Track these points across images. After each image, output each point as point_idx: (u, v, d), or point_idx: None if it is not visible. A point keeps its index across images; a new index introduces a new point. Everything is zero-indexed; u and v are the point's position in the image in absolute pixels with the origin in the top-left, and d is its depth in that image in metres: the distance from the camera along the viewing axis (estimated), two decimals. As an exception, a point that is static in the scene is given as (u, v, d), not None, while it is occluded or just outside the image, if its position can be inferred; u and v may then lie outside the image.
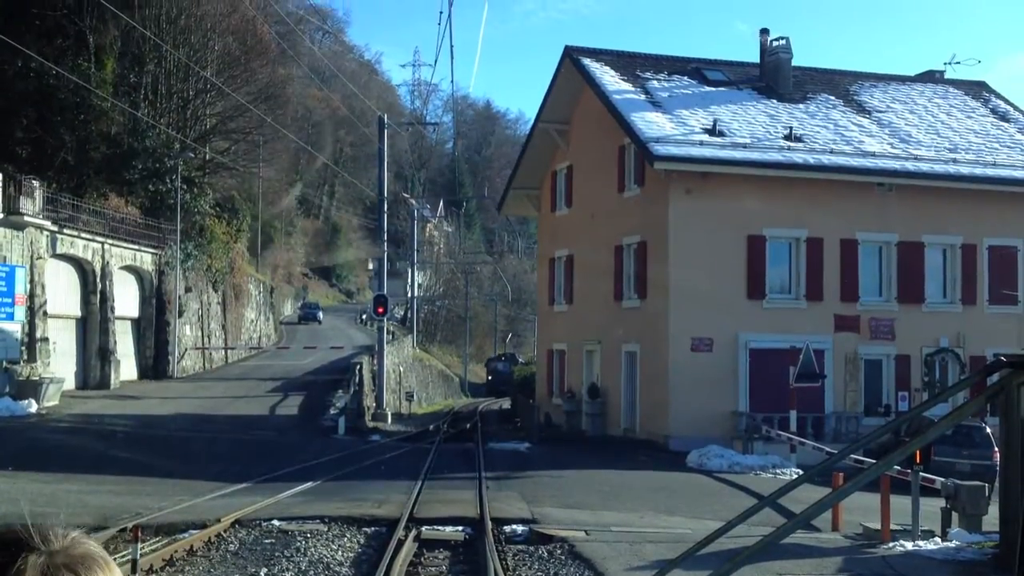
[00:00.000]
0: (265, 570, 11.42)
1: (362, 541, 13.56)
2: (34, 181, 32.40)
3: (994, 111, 36.22)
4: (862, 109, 34.10)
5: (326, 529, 13.98)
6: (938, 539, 14.50)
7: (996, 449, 18.33)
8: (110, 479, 18.71)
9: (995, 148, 32.76)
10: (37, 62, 34.48)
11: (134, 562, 8.41)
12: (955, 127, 34.07)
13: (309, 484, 18.39)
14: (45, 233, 32.63)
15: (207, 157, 49.67)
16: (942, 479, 15.90)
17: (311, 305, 78.97)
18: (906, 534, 14.46)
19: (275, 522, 14.21)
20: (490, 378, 77.20)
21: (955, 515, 15.12)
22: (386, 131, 38.97)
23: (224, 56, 49.54)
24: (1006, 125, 35.06)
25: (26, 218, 30.93)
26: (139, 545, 8.48)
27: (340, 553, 12.68)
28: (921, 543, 14.17)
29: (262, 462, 21.35)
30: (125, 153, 41.99)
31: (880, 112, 34.09)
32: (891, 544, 14.06)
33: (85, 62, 39.36)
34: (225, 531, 13.57)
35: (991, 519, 14.48)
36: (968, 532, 14.64)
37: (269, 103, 51.90)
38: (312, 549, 12.63)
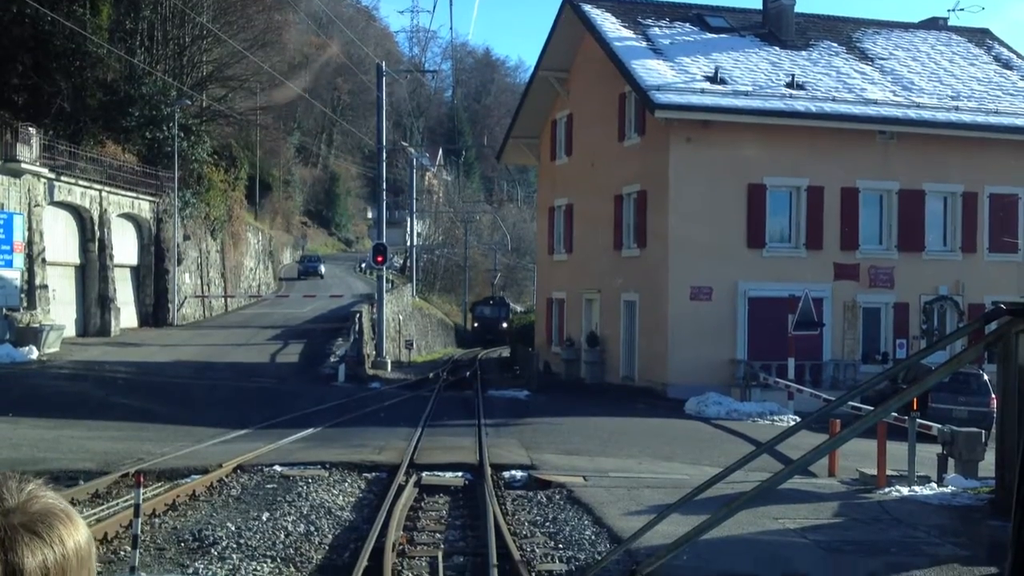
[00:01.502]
0: (267, 514, 11.53)
1: (363, 487, 13.68)
2: (31, 128, 32.21)
3: (997, 59, 35.89)
4: (864, 56, 33.80)
5: (327, 475, 14.10)
6: (934, 485, 14.64)
7: (993, 396, 18.43)
8: (111, 425, 18.83)
9: (998, 96, 32.52)
10: (32, 8, 34.10)
11: (137, 507, 8.48)
12: (958, 75, 33.79)
13: (310, 431, 18.52)
14: (42, 180, 32.50)
15: (204, 104, 49.33)
16: (939, 426, 16.02)
17: (311, 257, 73.73)
18: (902, 480, 14.59)
19: (276, 467, 14.33)
20: (476, 325, 68.66)
21: (951, 461, 15.25)
22: (384, 79, 38.64)
23: (220, 2, 49.00)
24: (1009, 73, 34.77)
25: (23, 165, 30.80)
26: (141, 490, 8.55)
27: (341, 498, 12.80)
28: (917, 488, 14.31)
29: (263, 409, 21.47)
30: (122, 100, 41.69)
31: (883, 59, 33.79)
32: (887, 489, 14.20)
33: (80, 7, 38.89)
34: (227, 476, 13.68)
35: (987, 465, 14.61)
36: (964, 478, 14.78)
37: (266, 50, 51.46)
38: (313, 494, 12.75)
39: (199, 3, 47.16)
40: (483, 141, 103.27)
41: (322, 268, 70.49)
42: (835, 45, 34.14)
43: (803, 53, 33.03)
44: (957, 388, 21.80)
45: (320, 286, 61.09)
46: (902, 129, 30.27)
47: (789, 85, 30.20)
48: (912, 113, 30.41)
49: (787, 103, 29.48)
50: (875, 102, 30.47)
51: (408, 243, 72.46)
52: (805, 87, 30.42)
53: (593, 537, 10.97)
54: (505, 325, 64.50)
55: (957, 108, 31.08)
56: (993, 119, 31.00)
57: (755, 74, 30.85)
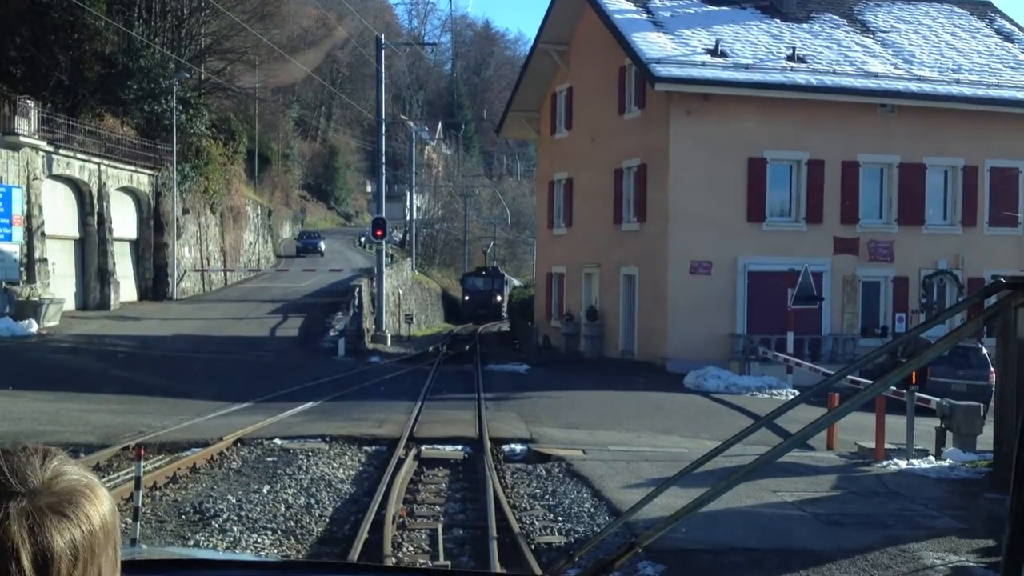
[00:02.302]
0: (268, 487, 11.58)
1: (363, 460, 13.73)
2: (29, 101, 32.06)
3: (999, 31, 35.70)
4: (866, 29, 33.61)
5: (327, 448, 14.15)
6: (932, 458, 14.69)
7: (992, 370, 18.47)
8: (112, 398, 18.87)
9: (999, 69, 32.37)
10: (28, -21, 33.87)
11: (137, 480, 8.52)
12: (959, 47, 33.61)
13: (310, 404, 18.57)
14: (41, 154, 32.40)
15: (202, 77, 49.09)
16: (937, 399, 16.05)
17: (311, 233, 70.61)
18: (900, 453, 14.63)
19: (277, 440, 14.37)
20: (467, 298, 62.63)
21: (949, 435, 15.30)
22: (384, 52, 38.42)
23: (218, -27, 48.61)
24: (1011, 46, 34.59)
25: (22, 138, 30.69)
26: (142, 463, 8.58)
27: (341, 471, 12.85)
28: (915, 462, 14.36)
29: (263, 382, 21.51)
30: (120, 73, 41.47)
31: (884, 32, 33.61)
32: (885, 463, 14.25)
33: (77, -21, 38.63)
34: (227, 449, 13.73)
35: (985, 439, 14.65)
36: (962, 451, 14.83)
37: (264, 22, 51.13)
38: (314, 467, 12.80)
39: (197, -25, 46.86)
40: (483, 115, 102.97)
41: (322, 245, 67.41)
42: (836, 18, 33.94)
43: (804, 26, 32.84)
44: (956, 362, 21.83)
45: (319, 260, 61.03)
46: (903, 102, 30.15)
47: (790, 58, 30.06)
48: (913, 86, 30.28)
49: (788, 76, 29.35)
50: (876, 75, 30.34)
51: (407, 217, 72.24)
52: (806, 60, 30.27)
53: (592, 510, 11.02)
54: (499, 299, 61.39)
55: (958, 81, 30.95)
56: (994, 92, 30.87)
57: (756, 47, 30.70)
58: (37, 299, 30.64)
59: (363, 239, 69.59)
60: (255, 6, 50.41)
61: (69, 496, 1.18)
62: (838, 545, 9.64)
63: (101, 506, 1.21)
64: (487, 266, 69.08)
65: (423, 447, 14.40)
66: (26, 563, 1.12)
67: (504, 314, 59.88)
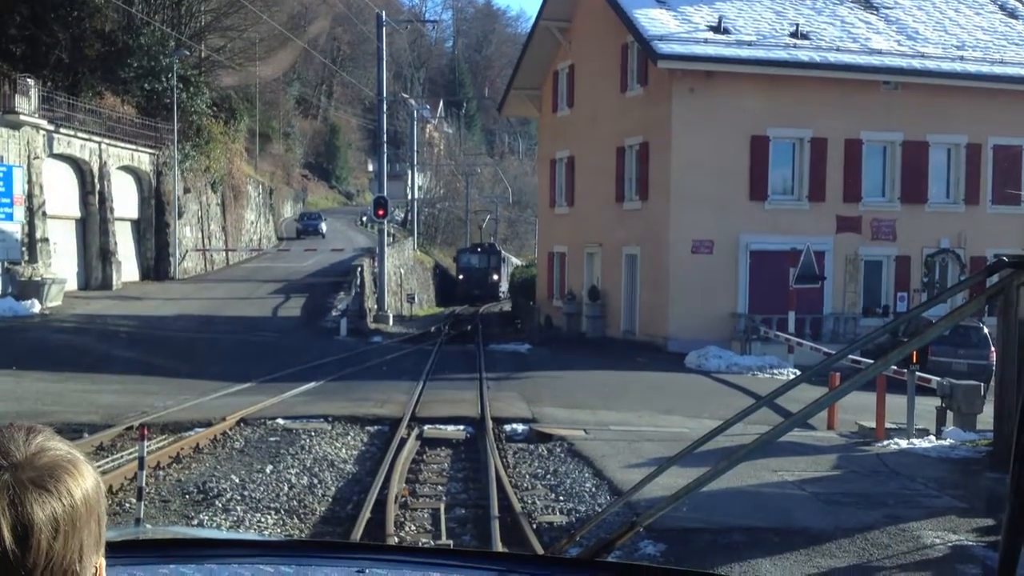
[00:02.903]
0: (271, 467, 11.62)
1: (365, 440, 13.78)
2: (29, 80, 31.97)
3: (1003, 7, 35.49)
4: (869, 5, 33.42)
5: (330, 428, 14.19)
6: (932, 437, 14.73)
7: (993, 349, 18.47)
8: (115, 378, 18.92)
9: (1003, 46, 32.20)
10: (27, -43, 33.70)
11: (141, 460, 8.55)
12: (963, 24, 33.43)
13: (312, 384, 18.62)
14: (41, 132, 32.34)
15: (203, 55, 48.92)
16: (938, 379, 16.07)
17: (311, 214, 67.52)
18: (901, 432, 14.67)
19: (279, 421, 14.42)
20: (460, 277, 58.17)
21: (950, 414, 15.33)
22: (384, 29, 38.25)
23: (218, -50, 48.41)
24: (1015, 22, 34.39)
25: (22, 117, 30.62)
26: (145, 443, 8.61)
27: (344, 451, 12.89)
28: (916, 441, 14.40)
29: (265, 362, 21.56)
30: (120, 51, 41.33)
31: (888, 8, 33.42)
32: (886, 442, 14.29)
33: (76, -43, 38.45)
34: (230, 429, 13.78)
35: (986, 418, 14.68)
36: (963, 430, 14.86)
37: (265, -1, 50.90)
38: (316, 447, 12.84)
39: (196, -48, 46.63)
40: (484, 93, 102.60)
41: (323, 226, 64.48)
42: (840, -6, 33.73)
43: (807, 2, 32.64)
44: (957, 341, 21.84)
45: (321, 240, 60.93)
46: (907, 79, 30.02)
47: (793, 35, 29.91)
48: (917, 63, 30.13)
49: (791, 53, 29.21)
50: (880, 52, 30.20)
51: (409, 196, 72.12)
52: (809, 37, 30.12)
53: (593, 489, 11.06)
54: (496, 278, 58.11)
55: (962, 58, 30.80)
56: (998, 69, 30.73)
57: (759, 24, 30.55)
58: (39, 279, 30.66)
59: (364, 218, 69.42)
60: (255, -17, 50.13)
61: (51, 471, 1.19)
62: (838, 524, 9.67)
63: (84, 481, 1.22)
64: (484, 242, 64.60)
65: (425, 427, 14.45)
66: (6, 535, 1.14)
67: (502, 294, 58.42)
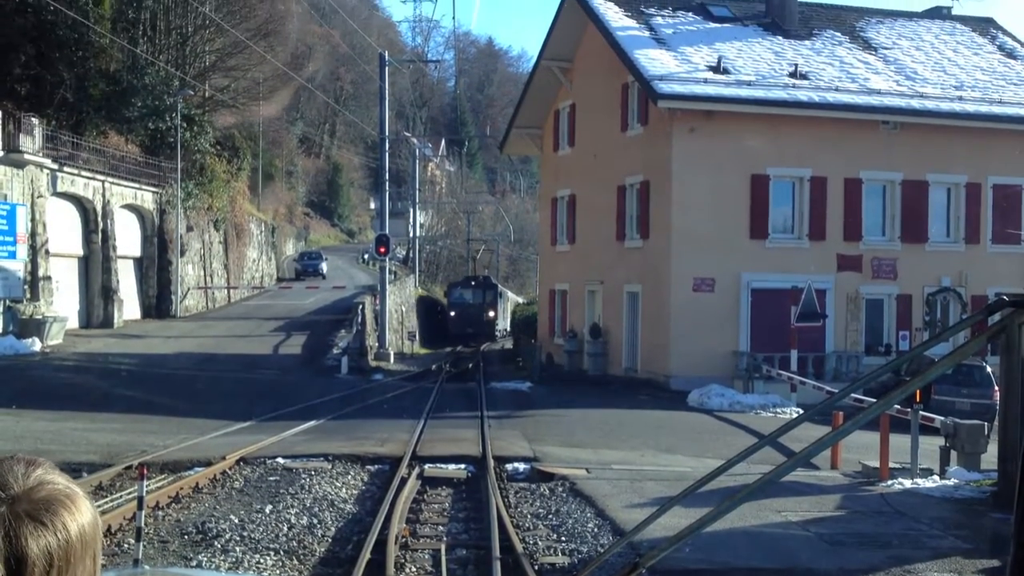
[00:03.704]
0: (270, 507, 11.54)
1: (366, 479, 13.70)
2: (33, 119, 32.16)
3: (1001, 48, 35.78)
4: (868, 46, 33.70)
5: (330, 467, 14.11)
6: (936, 477, 14.63)
7: (996, 388, 18.41)
8: (115, 417, 18.86)
9: (1001, 86, 32.42)
10: (34, -2, 34.03)
11: (140, 499, 8.49)
12: (961, 64, 33.68)
13: (313, 423, 18.54)
14: (45, 171, 32.48)
15: (207, 95, 49.28)
16: (941, 418, 15.99)
17: (312, 254, 63.69)
18: (905, 472, 14.58)
19: (279, 460, 14.34)
20: (453, 314, 52.68)
21: (954, 454, 15.23)
22: (387, 69, 38.57)
23: (222, -9, 48.90)
24: (1013, 62, 34.65)
25: (26, 156, 30.77)
26: (145, 482, 8.56)
27: (344, 490, 12.81)
28: (919, 481, 14.30)
29: (265, 401, 21.49)
30: (124, 90, 41.64)
31: (886, 49, 33.69)
32: (889, 482, 14.19)
33: (83, -3, 38.82)
34: (230, 468, 13.70)
35: (990, 458, 14.60)
36: (967, 470, 14.76)
37: (268, 40, 51.36)
38: (316, 486, 12.76)
39: (201, -7, 47.11)
40: (486, 131, 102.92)
41: (324, 266, 60.95)
42: (838, 35, 34.05)
43: (806, 43, 32.93)
44: (960, 380, 21.76)
45: (321, 279, 60.80)
46: (906, 119, 30.19)
47: (792, 75, 30.12)
48: (916, 103, 30.32)
49: (790, 93, 29.40)
50: (879, 92, 30.40)
51: (411, 234, 72.31)
52: (808, 77, 30.33)
53: (596, 530, 10.98)
54: (493, 315, 53.64)
55: (961, 98, 30.99)
56: (997, 109, 30.91)
57: (758, 64, 30.77)
58: (40, 317, 30.66)
59: (366, 256, 69.45)
60: (259, 24, 50.66)
61: (48, 504, 1.21)
62: (842, 565, 9.59)
63: (80, 516, 1.23)
64: (478, 275, 58.51)
65: (426, 466, 14.37)
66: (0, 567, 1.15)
67: (500, 333, 55.70)
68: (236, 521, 10.73)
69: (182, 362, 28.98)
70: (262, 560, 9.57)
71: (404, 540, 10.35)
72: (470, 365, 37.56)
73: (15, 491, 1.20)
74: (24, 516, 1.18)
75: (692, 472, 13.76)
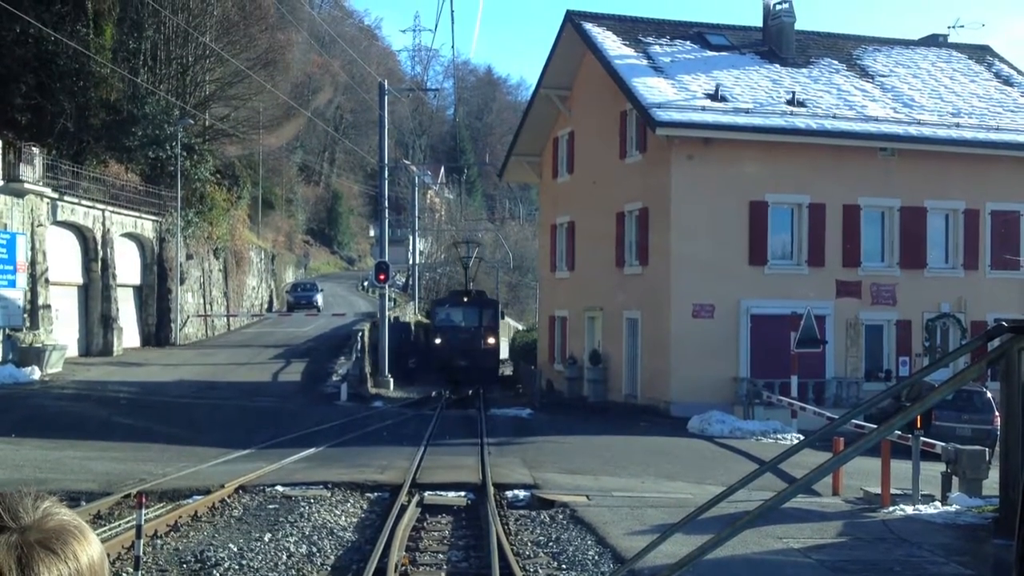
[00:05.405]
0: (269, 535, 11.49)
1: (365, 507, 13.65)
2: (34, 148, 32.27)
3: (998, 75, 35.97)
4: (865, 74, 33.88)
5: (329, 495, 14.06)
6: (938, 503, 14.58)
7: (997, 414, 18.38)
8: (114, 445, 18.80)
9: (999, 112, 32.58)
10: (36, 28, 34.22)
11: (139, 528, 8.47)
12: (958, 91, 33.86)
13: (312, 450, 18.48)
14: (45, 200, 32.57)
15: (207, 124, 49.48)
16: (943, 444, 15.96)
17: (305, 285, 58.84)
18: (906, 498, 14.53)
19: (279, 488, 14.29)
20: (438, 341, 40.32)
21: (955, 479, 15.19)
22: (387, 97, 38.75)
23: (223, 21, 49.22)
24: (1010, 89, 34.84)
25: (26, 185, 30.85)
26: (143, 511, 8.53)
27: (344, 518, 12.76)
28: (921, 507, 14.25)
29: (265, 428, 21.44)
30: (125, 120, 41.82)
31: (883, 76, 33.88)
32: (891, 508, 14.14)
33: (84, 28, 39.07)
34: (229, 497, 13.65)
35: (991, 483, 14.55)
36: (968, 496, 14.72)
37: (268, 69, 51.63)
38: (316, 514, 12.72)
39: (202, 23, 47.39)
40: (485, 159, 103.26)
41: (319, 298, 55.63)
42: (835, 62, 34.24)
43: (804, 70, 33.12)
44: (960, 406, 21.73)
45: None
46: (903, 146, 30.31)
47: (790, 102, 30.28)
48: (913, 130, 30.46)
49: (788, 120, 29.54)
50: (876, 119, 30.54)
51: (410, 261, 72.37)
52: (806, 104, 30.49)
53: (596, 557, 10.93)
54: (493, 341, 41.89)
55: (958, 125, 31.13)
56: (994, 136, 31.05)
57: (756, 91, 30.93)
58: (40, 345, 30.63)
59: (366, 283, 69.45)
60: (259, 54, 50.93)
61: (58, 534, 1.23)
62: (845, 592, 9.54)
63: (89, 548, 1.26)
64: (470, 290, 44.98)
65: (426, 493, 14.32)
66: None
67: (501, 366, 46.99)
68: (235, 550, 10.69)
69: (181, 390, 28.93)
70: (261, 589, 9.52)
71: (404, 568, 10.30)
72: (470, 392, 37.41)
73: (26, 521, 1.22)
74: (36, 545, 1.20)
75: (693, 499, 13.72)
